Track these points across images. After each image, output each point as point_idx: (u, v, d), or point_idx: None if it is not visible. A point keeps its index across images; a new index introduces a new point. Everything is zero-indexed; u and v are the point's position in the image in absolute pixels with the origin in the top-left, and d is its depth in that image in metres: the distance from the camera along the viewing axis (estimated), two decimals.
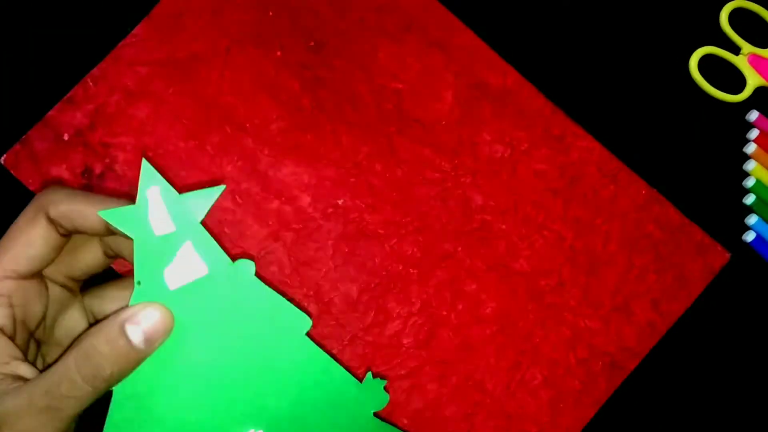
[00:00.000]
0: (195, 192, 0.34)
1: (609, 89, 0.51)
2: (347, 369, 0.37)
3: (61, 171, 0.48)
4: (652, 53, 0.51)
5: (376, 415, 0.39)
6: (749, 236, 0.49)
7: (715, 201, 0.50)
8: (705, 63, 0.51)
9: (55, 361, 0.31)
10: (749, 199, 0.49)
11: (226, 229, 0.48)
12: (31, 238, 0.34)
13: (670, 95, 0.51)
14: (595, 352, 0.47)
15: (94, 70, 0.49)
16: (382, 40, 0.50)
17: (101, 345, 0.31)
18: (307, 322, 0.35)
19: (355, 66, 0.50)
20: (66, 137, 0.49)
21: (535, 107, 0.50)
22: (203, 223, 0.34)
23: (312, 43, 0.50)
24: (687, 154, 0.50)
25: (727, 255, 0.48)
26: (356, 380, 0.37)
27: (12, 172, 0.48)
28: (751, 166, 0.50)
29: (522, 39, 0.51)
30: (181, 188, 0.46)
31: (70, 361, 0.31)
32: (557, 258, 0.48)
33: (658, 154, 0.50)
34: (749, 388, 0.48)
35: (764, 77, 0.50)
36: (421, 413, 0.46)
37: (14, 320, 0.33)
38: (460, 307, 0.47)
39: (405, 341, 0.47)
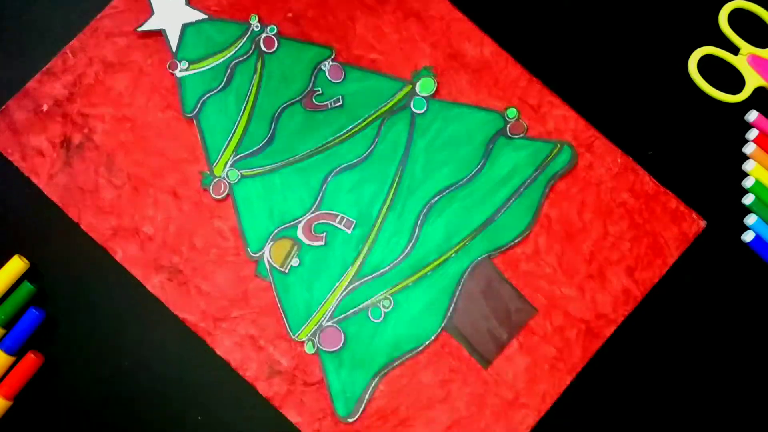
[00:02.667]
0: None
1: (610, 88, 0.50)
2: None
3: (40, 141, 0.49)
4: (651, 53, 0.51)
5: None
6: (748, 236, 0.49)
7: (714, 201, 0.49)
8: (704, 63, 0.51)
9: None
10: (748, 200, 0.49)
11: None
12: None
13: (669, 95, 0.51)
14: (571, 319, 0.47)
15: (74, 42, 0.50)
16: (360, 11, 0.51)
17: None
18: None
19: (332, 37, 0.50)
20: (45, 108, 0.49)
21: (511, 77, 0.50)
22: None
23: (290, 14, 0.50)
24: (686, 154, 0.50)
25: (702, 223, 0.48)
26: None
27: None
28: (750, 166, 0.49)
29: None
30: (161, 159, 0.47)
31: None
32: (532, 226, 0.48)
33: (659, 153, 0.49)
34: (724, 357, 0.48)
35: (763, 77, 0.50)
36: (398, 379, 0.47)
37: None
38: None
39: None
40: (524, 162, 0.49)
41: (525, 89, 0.50)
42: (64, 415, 0.47)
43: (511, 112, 0.49)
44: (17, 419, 0.46)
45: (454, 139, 0.49)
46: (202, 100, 0.49)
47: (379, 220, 0.48)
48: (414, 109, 0.49)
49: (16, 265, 0.47)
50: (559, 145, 0.49)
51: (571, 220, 0.49)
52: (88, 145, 0.49)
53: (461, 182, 0.49)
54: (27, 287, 0.46)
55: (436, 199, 0.48)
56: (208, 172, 0.48)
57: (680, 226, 0.48)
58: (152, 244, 0.48)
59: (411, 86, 0.49)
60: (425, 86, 0.49)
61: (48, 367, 0.47)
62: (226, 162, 0.48)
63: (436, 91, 0.49)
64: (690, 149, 0.50)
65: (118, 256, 0.47)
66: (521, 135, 0.49)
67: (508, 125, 0.49)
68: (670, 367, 0.48)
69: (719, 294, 0.48)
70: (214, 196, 0.48)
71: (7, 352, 0.46)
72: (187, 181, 0.48)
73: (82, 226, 0.48)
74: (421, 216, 0.48)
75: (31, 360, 0.46)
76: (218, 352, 0.47)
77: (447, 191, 0.48)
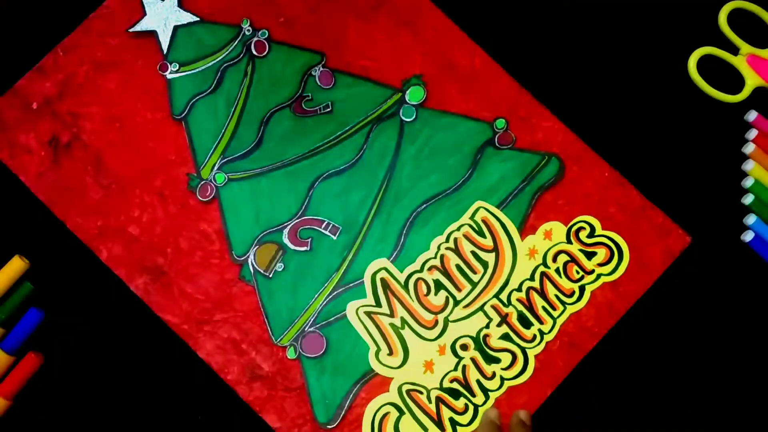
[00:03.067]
0: None
1: (607, 91, 0.50)
2: None
3: (28, 139, 0.49)
4: (651, 53, 0.51)
5: None
6: (748, 236, 0.49)
7: (714, 201, 0.49)
8: (704, 63, 0.51)
9: None
10: (748, 199, 0.49)
11: None
12: None
13: (669, 95, 0.51)
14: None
15: (65, 41, 0.50)
16: (352, 18, 0.51)
17: None
18: None
19: (324, 42, 0.50)
20: (35, 106, 0.49)
21: (501, 88, 0.50)
22: None
23: (282, 19, 0.50)
24: (686, 154, 0.50)
25: (688, 238, 0.48)
26: None
27: None
28: (749, 166, 0.49)
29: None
30: (148, 160, 0.47)
31: None
32: None
33: (658, 154, 0.49)
34: (724, 357, 0.48)
35: (763, 77, 0.50)
36: (379, 386, 0.46)
37: None
38: None
39: None
40: (511, 173, 0.49)
41: (514, 100, 0.50)
42: (63, 414, 0.46)
43: (500, 123, 0.49)
44: (16, 419, 0.46)
45: (442, 148, 0.49)
46: (191, 103, 0.49)
47: (365, 227, 0.48)
48: (403, 117, 0.49)
49: (16, 265, 0.47)
50: (546, 157, 0.49)
51: None
52: (76, 144, 0.49)
53: (448, 191, 0.49)
54: (27, 287, 0.46)
55: (423, 207, 0.48)
56: (195, 175, 0.48)
57: (666, 241, 0.48)
58: (137, 245, 0.48)
59: (400, 94, 0.50)
60: (414, 95, 0.49)
61: (47, 367, 0.47)
62: (214, 165, 0.48)
63: (426, 99, 0.50)
64: (690, 149, 0.50)
65: (103, 256, 0.47)
66: (509, 146, 0.49)
67: (497, 136, 0.49)
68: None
69: (719, 294, 0.48)
70: (200, 198, 0.48)
71: (8, 351, 0.46)
72: (174, 182, 0.48)
73: (68, 225, 0.48)
74: (407, 224, 0.48)
75: (31, 360, 0.46)
76: (200, 354, 0.47)
77: (434, 200, 0.48)
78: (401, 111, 0.49)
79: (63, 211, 0.48)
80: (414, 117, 0.49)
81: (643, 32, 0.51)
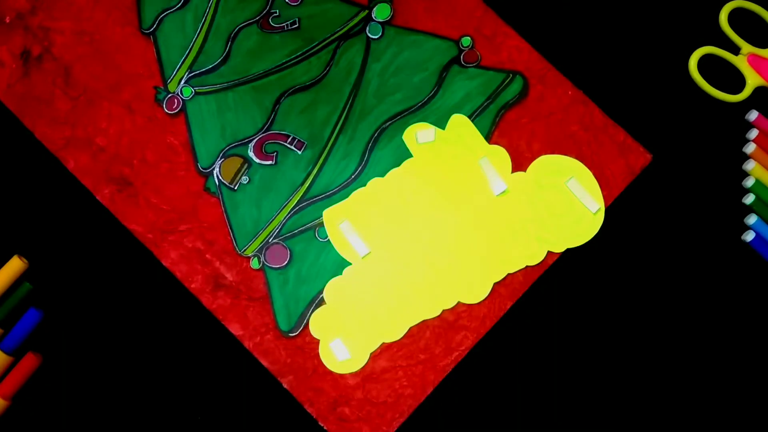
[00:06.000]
0: None
1: (609, 88, 0.50)
2: None
3: (1, 53, 0.49)
4: (652, 53, 0.51)
5: None
6: (749, 236, 0.49)
7: (715, 201, 0.49)
8: (705, 63, 0.51)
9: None
10: (749, 199, 0.49)
11: None
12: None
13: (669, 95, 0.50)
14: None
15: None
16: None
17: None
18: None
19: None
20: (7, 20, 0.50)
21: (467, 7, 0.50)
22: None
23: None
24: (687, 153, 0.50)
25: (649, 156, 0.49)
26: None
27: None
28: (750, 165, 0.49)
29: None
30: (117, 74, 0.47)
31: None
32: None
33: (658, 153, 0.49)
34: (723, 357, 0.48)
35: (764, 77, 0.50)
36: None
37: None
38: None
39: None
40: (476, 91, 0.49)
41: (480, 19, 0.50)
42: (62, 415, 0.47)
43: (466, 41, 0.50)
44: (15, 420, 0.46)
45: (408, 65, 0.49)
46: (160, 17, 0.49)
47: (330, 143, 0.49)
48: (369, 35, 0.50)
49: (15, 265, 0.47)
50: (511, 75, 0.49)
51: (520, 149, 0.49)
52: (46, 57, 0.49)
53: (413, 108, 0.49)
54: (26, 287, 0.47)
55: (388, 124, 0.49)
56: (163, 88, 0.49)
57: (627, 158, 0.49)
58: (104, 156, 0.48)
59: (367, 11, 0.50)
60: (381, 12, 0.50)
61: (46, 367, 0.47)
62: (181, 78, 0.49)
63: (392, 17, 0.50)
64: (690, 149, 0.50)
65: (70, 166, 0.48)
66: (474, 64, 0.49)
67: (462, 54, 0.50)
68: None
69: (719, 294, 0.48)
70: (167, 111, 0.49)
71: (6, 351, 0.46)
72: (142, 95, 0.49)
73: (36, 135, 0.48)
74: (372, 140, 0.49)
75: (30, 360, 0.46)
76: (164, 263, 0.47)
77: (399, 117, 0.49)
78: (368, 28, 0.50)
79: (32, 121, 0.49)
80: (380, 34, 0.50)
81: (644, 32, 0.51)
